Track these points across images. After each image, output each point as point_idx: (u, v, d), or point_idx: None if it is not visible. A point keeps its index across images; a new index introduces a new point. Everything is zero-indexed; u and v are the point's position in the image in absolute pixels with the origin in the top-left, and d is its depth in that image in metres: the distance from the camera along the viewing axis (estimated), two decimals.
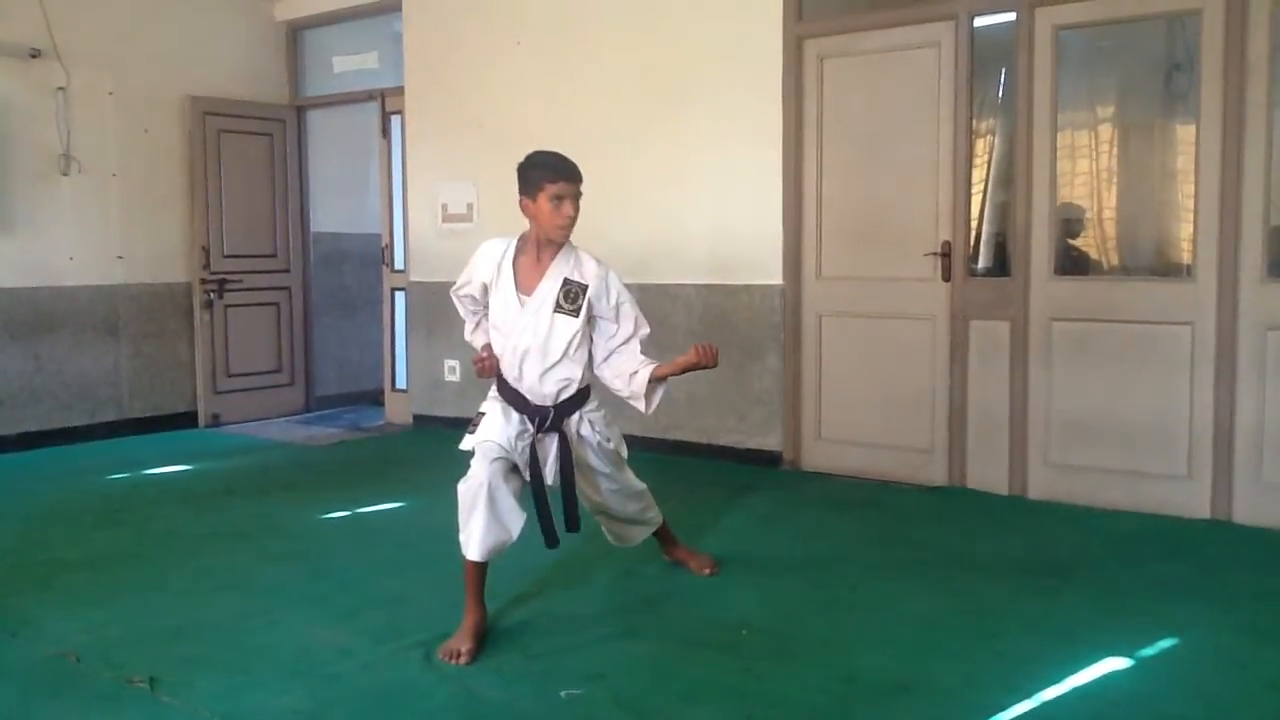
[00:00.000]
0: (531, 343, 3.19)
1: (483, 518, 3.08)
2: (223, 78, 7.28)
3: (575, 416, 3.32)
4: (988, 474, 5.00)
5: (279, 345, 7.63)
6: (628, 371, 3.29)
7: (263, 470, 5.84)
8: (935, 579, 3.77)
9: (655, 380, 3.27)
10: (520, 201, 3.19)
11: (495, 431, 3.19)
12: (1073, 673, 2.92)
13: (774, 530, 4.47)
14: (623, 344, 3.31)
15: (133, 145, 6.80)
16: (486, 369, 3.27)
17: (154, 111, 6.91)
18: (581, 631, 3.25)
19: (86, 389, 6.61)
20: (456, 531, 3.17)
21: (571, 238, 3.25)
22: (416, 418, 7.04)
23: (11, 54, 6.16)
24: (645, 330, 3.34)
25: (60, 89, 6.39)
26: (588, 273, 3.23)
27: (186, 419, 7.10)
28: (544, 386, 3.23)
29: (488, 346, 3.34)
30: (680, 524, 4.51)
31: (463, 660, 3.01)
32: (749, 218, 5.60)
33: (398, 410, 7.32)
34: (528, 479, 3.23)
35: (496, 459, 3.14)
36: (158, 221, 6.94)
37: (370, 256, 7.85)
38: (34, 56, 6.25)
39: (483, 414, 3.26)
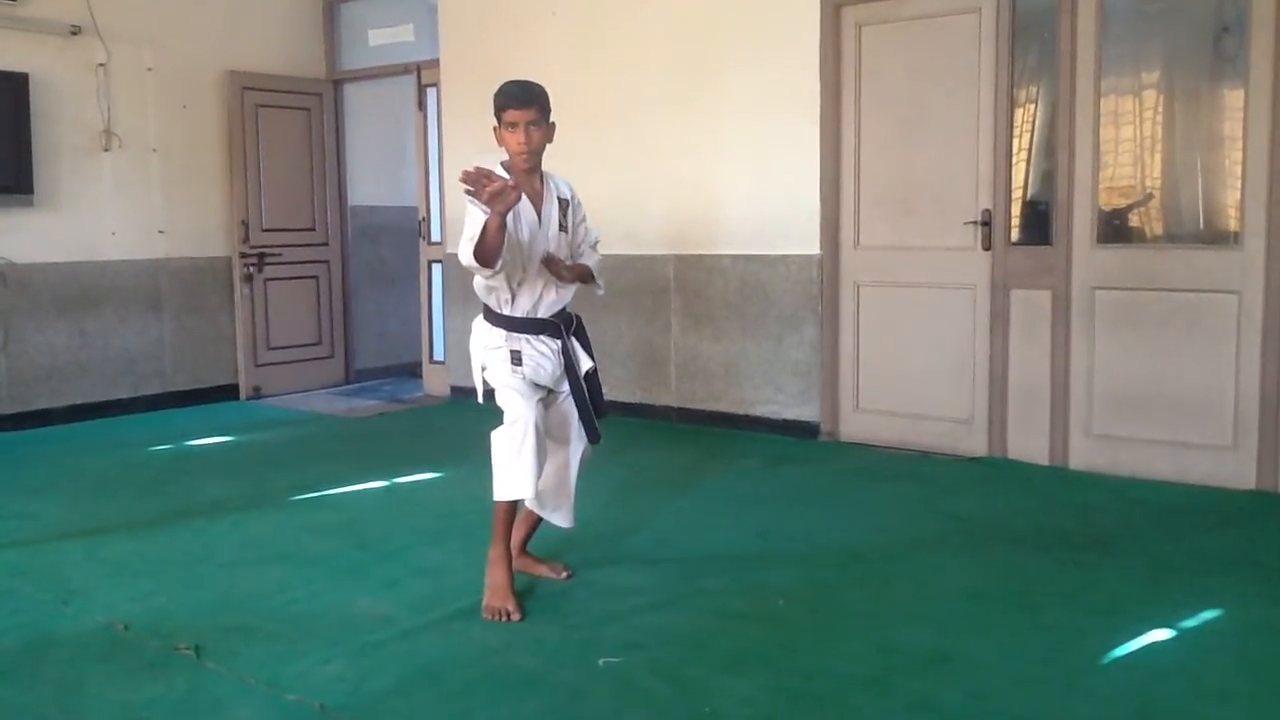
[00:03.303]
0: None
1: (532, 453, 3.16)
2: (260, 52, 7.31)
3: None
4: (1028, 445, 4.96)
5: (318, 318, 7.69)
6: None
7: (303, 442, 5.91)
8: (975, 550, 3.75)
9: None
10: (494, 129, 3.29)
11: (540, 374, 3.29)
12: (1115, 645, 2.90)
13: (812, 502, 4.46)
14: (590, 247, 3.50)
15: (172, 120, 6.85)
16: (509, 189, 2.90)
17: (193, 87, 6.95)
18: (619, 602, 3.27)
19: (130, 362, 6.71)
20: (494, 502, 3.20)
21: (571, 184, 3.43)
22: (454, 389, 7.08)
23: (53, 31, 6.22)
24: (596, 234, 3.54)
25: (101, 65, 6.44)
26: (564, 190, 3.42)
27: (228, 391, 7.18)
28: (561, 296, 3.37)
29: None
30: (717, 496, 4.53)
31: (516, 617, 3.11)
32: (786, 187, 5.55)
33: (436, 382, 7.36)
34: (564, 393, 3.39)
35: (538, 400, 3.26)
36: (197, 196, 7.00)
37: (407, 229, 7.87)
38: (74, 33, 6.31)
39: (517, 351, 3.27)
